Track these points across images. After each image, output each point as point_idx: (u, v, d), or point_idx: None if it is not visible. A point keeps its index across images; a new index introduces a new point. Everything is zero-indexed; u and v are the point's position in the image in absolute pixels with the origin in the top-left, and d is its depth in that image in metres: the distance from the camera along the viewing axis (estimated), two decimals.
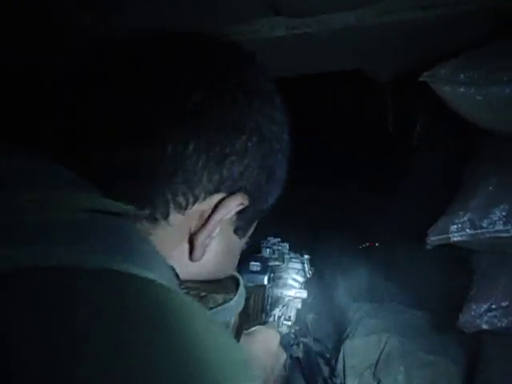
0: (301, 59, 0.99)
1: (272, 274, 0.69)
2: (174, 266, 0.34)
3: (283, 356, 0.62)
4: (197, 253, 0.38)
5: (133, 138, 0.36)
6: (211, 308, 0.39)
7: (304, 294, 0.90)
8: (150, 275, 0.26)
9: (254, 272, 0.64)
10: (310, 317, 1.46)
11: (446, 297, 1.06)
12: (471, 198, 0.85)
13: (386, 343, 1.20)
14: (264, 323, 0.63)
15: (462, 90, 0.78)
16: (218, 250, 0.41)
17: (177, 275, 0.34)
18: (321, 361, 1.31)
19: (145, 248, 0.30)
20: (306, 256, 1.00)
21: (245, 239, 0.45)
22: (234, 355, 0.25)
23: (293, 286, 0.92)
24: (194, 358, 0.23)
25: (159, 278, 0.26)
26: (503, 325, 0.83)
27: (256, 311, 0.60)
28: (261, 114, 0.39)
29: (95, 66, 0.40)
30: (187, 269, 0.39)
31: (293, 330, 0.94)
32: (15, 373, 0.19)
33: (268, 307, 0.65)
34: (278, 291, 0.79)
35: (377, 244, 1.59)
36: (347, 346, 1.25)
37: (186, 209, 0.37)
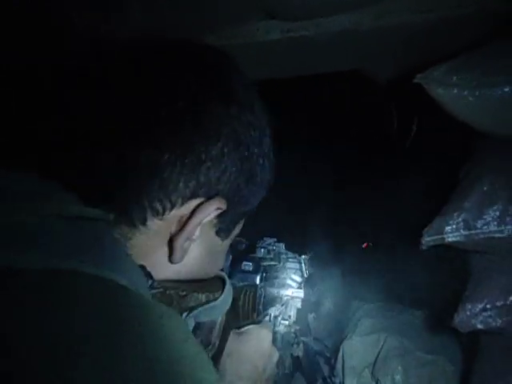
0: (297, 62, 0.99)
1: (265, 274, 0.70)
2: (156, 268, 0.35)
3: (276, 355, 0.62)
4: (176, 255, 0.39)
5: (109, 144, 0.36)
6: (193, 307, 0.40)
7: (301, 293, 0.91)
8: (117, 277, 0.27)
9: (245, 271, 0.65)
10: (310, 316, 1.47)
11: (445, 297, 1.06)
12: (465, 199, 0.84)
13: (384, 342, 1.21)
14: (258, 322, 0.64)
15: (455, 91, 0.78)
16: (199, 251, 0.42)
17: (149, 275, 0.35)
18: (320, 360, 1.31)
19: (114, 250, 0.31)
20: (303, 256, 1.00)
21: (228, 240, 0.45)
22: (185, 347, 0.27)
23: (290, 285, 0.92)
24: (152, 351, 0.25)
25: (124, 278, 0.27)
26: (498, 324, 0.83)
27: (247, 310, 0.60)
28: (238, 120, 0.40)
29: (95, 66, 0.40)
30: (169, 270, 0.40)
31: (293, 330, 0.94)
32: (15, 373, 0.20)
33: (260, 307, 0.66)
34: (273, 291, 0.80)
35: (376, 244, 1.59)
36: (346, 345, 1.25)
37: (163, 214, 0.37)
